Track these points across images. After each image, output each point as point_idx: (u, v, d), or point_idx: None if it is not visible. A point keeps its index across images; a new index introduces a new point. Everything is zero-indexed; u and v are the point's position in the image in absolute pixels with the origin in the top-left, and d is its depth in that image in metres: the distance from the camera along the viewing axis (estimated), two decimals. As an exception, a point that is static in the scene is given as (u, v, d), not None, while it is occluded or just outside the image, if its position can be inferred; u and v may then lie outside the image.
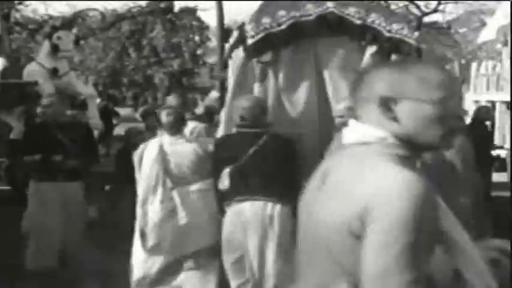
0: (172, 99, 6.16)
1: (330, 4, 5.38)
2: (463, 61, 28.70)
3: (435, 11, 29.69)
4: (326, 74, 5.47)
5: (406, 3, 29.70)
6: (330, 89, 5.44)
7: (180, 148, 5.21)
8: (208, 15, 27.25)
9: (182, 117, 5.40)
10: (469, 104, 19.30)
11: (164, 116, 5.23)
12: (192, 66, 28.63)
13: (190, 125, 5.96)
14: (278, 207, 4.69)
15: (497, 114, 17.99)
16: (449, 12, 30.33)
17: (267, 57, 5.38)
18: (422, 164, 1.90)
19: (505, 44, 21.86)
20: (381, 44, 5.37)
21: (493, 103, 19.58)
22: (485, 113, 9.93)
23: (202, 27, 30.26)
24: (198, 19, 31.63)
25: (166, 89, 27.82)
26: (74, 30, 12.63)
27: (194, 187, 5.19)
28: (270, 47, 5.40)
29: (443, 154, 4.21)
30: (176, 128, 5.27)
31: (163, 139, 5.27)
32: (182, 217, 5.14)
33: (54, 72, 11.22)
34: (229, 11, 31.77)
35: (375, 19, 5.33)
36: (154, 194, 5.13)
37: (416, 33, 5.46)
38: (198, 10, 29.91)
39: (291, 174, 4.68)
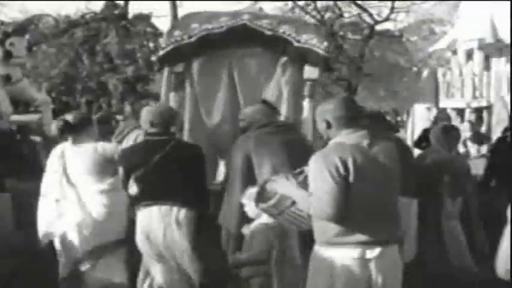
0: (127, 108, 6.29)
1: (245, 16, 5.53)
2: (414, 69, 29.31)
3: (387, 19, 30.15)
4: (239, 84, 5.57)
5: (359, 11, 30.15)
6: (242, 98, 5.56)
7: (79, 150, 5.38)
8: (164, 22, 27.15)
9: (88, 120, 5.66)
10: (422, 111, 19.73)
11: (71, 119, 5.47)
12: (147, 72, 28.42)
13: (135, 132, 6.08)
14: (183, 211, 4.98)
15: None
16: (401, 20, 30.85)
17: (179, 67, 5.59)
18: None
19: (453, 53, 22.41)
20: (291, 54, 5.49)
21: (444, 110, 20.01)
22: (444, 118, 10.35)
23: (157, 34, 30.11)
24: (152, 25, 31.49)
25: (120, 95, 27.59)
26: (27, 36, 12.47)
27: (94, 187, 5.34)
28: (181, 58, 5.51)
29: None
30: (76, 131, 5.44)
31: (68, 141, 5.51)
32: (79, 214, 5.31)
33: (7, 79, 11.05)
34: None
35: (285, 30, 5.48)
36: (52, 192, 5.38)
37: (325, 43, 5.57)
38: (153, 17, 29.80)
39: (198, 180, 4.95)
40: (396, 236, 3.85)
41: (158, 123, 5.09)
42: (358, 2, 29.45)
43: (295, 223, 3.89)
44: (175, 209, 4.98)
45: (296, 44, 5.55)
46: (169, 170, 4.97)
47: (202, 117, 5.71)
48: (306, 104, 5.22)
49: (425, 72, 22.77)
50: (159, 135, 5.08)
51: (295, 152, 4.82)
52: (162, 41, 5.76)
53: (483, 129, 16.67)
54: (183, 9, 35.29)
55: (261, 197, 4.01)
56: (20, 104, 11.49)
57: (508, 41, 19.66)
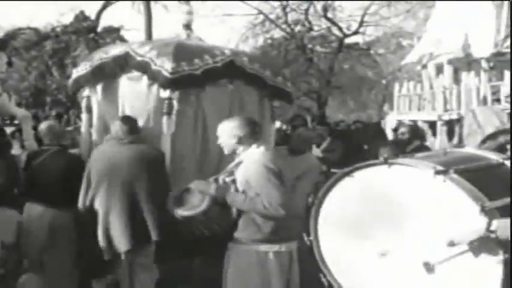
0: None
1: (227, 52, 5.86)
2: (384, 81, 29.78)
3: (356, 32, 30.64)
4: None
5: (329, 25, 30.57)
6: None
7: None
8: (138, 35, 27.06)
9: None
10: (393, 123, 20.02)
11: None
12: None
13: None
14: (56, 212, 5.55)
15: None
16: (369, 34, 31.36)
17: (86, 92, 6.23)
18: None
19: (423, 67, 22.85)
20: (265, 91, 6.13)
21: (415, 122, 20.37)
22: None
23: (127, 47, 29.86)
24: (122, 38, 31.38)
25: (90, 108, 27.37)
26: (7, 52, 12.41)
27: None
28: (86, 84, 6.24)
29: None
30: None
31: None
32: None
33: (-14, 95, 10.93)
34: (160, 32, 31.75)
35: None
36: None
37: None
38: (123, 29, 29.73)
39: (75, 186, 5.41)
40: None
41: (49, 137, 5.91)
42: (328, 15, 29.86)
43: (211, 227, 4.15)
44: (50, 210, 5.57)
45: (270, 83, 6.14)
46: (46, 175, 5.67)
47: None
48: (164, 120, 5.53)
49: (396, 85, 23.10)
50: (49, 146, 5.87)
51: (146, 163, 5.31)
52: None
53: (455, 141, 17.03)
54: (157, 22, 35.20)
55: (179, 203, 4.28)
56: (-2, 119, 11.39)
57: (476, 55, 20.19)
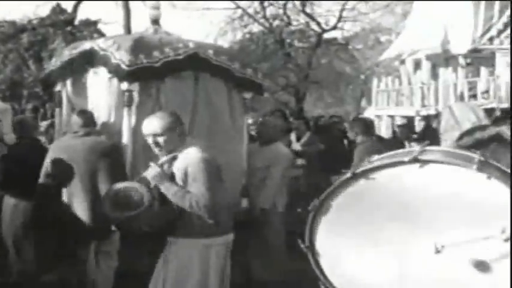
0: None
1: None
2: (362, 76, 29.96)
3: (334, 28, 30.72)
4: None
5: (307, 20, 30.65)
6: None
7: None
8: (117, 28, 26.87)
9: None
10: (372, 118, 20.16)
11: None
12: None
13: None
14: (13, 200, 5.82)
15: (397, 128, 18.87)
16: (348, 29, 31.46)
17: (58, 86, 6.28)
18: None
19: (401, 62, 23.08)
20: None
21: (393, 117, 20.59)
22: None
23: (104, 40, 29.63)
24: (99, 31, 31.12)
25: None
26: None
27: None
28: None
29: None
30: None
31: None
32: None
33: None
34: (139, 25, 31.58)
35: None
36: None
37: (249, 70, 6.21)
38: (101, 23, 29.49)
39: (34, 176, 5.47)
40: None
41: (17, 130, 6.23)
42: (306, 10, 29.92)
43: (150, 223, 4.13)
44: (11, 199, 5.81)
45: (238, 74, 6.15)
46: (8, 165, 5.92)
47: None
48: (124, 113, 5.63)
49: (374, 81, 23.28)
50: (18, 139, 6.18)
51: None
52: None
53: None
54: (137, 15, 35.06)
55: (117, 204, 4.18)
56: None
57: (454, 52, 20.43)
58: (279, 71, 30.94)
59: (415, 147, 3.49)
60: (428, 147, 3.41)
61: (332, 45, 31.35)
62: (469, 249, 2.99)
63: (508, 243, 2.94)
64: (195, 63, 5.83)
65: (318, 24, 30.41)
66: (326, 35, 30.78)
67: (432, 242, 3.00)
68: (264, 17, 30.60)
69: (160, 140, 4.11)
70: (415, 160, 3.09)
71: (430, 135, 8.85)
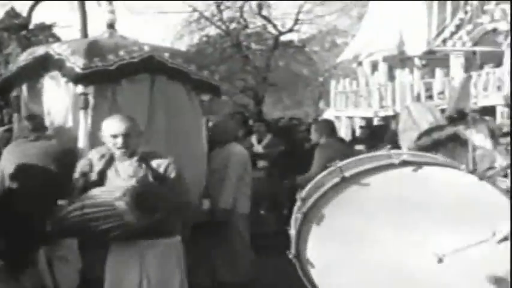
0: None
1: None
2: (320, 78, 30.22)
3: (291, 30, 30.95)
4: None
5: (264, 22, 30.81)
6: None
7: None
8: (73, 32, 26.50)
9: None
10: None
11: None
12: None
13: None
14: None
15: (356, 129, 19.11)
16: (304, 32, 31.73)
17: (15, 92, 6.18)
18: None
19: (359, 64, 23.36)
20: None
21: (352, 118, 20.83)
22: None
23: (60, 44, 29.19)
24: (54, 35, 30.64)
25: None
26: None
27: None
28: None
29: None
30: None
31: None
32: None
33: None
34: (95, 28, 31.22)
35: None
36: None
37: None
38: (57, 27, 29.07)
39: None
40: None
41: None
42: (263, 13, 30.08)
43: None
44: None
45: (194, 77, 6.23)
46: None
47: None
48: (80, 116, 5.76)
49: (332, 83, 23.51)
50: None
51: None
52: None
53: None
54: (93, 18, 34.64)
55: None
56: None
57: (410, 53, 20.77)
58: (237, 74, 31.01)
59: (389, 151, 3.35)
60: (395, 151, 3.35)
61: (289, 47, 31.57)
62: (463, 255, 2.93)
63: (502, 245, 2.92)
64: (151, 66, 5.87)
65: (275, 26, 30.63)
66: (283, 38, 31.04)
67: (427, 250, 2.94)
68: (221, 20, 30.66)
69: (125, 140, 4.08)
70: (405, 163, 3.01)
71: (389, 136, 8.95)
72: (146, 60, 5.82)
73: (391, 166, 3.00)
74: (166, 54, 6.06)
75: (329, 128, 6.96)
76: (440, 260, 2.90)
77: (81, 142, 5.56)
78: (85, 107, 5.57)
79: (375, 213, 2.99)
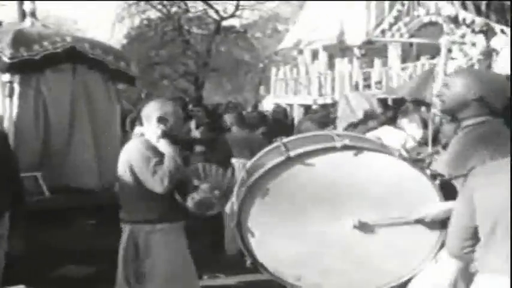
0: None
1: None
2: (261, 65, 30.29)
3: (232, 15, 30.88)
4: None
5: (205, 7, 30.63)
6: None
7: None
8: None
9: None
10: (270, 107, 20.50)
11: None
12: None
13: None
14: None
15: (295, 116, 19.27)
16: (246, 17, 31.71)
17: None
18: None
19: (299, 52, 23.53)
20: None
21: (291, 106, 20.99)
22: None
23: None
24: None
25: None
26: None
27: None
28: None
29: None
30: None
31: None
32: None
33: None
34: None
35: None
36: None
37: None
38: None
39: None
40: None
41: None
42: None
43: None
44: None
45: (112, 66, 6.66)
46: None
47: None
48: (6, 103, 6.04)
49: (273, 70, 23.61)
50: None
51: None
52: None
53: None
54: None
55: None
56: None
57: (349, 43, 21.05)
58: (178, 58, 30.79)
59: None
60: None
61: (231, 33, 31.53)
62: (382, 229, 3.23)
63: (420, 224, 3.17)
64: (73, 56, 6.32)
65: (216, 11, 30.56)
66: (225, 23, 31.00)
67: (349, 221, 3.21)
68: (162, 3, 30.36)
69: None
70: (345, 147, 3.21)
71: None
72: (68, 51, 6.25)
73: (333, 149, 3.21)
74: (87, 45, 6.50)
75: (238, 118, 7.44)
76: (354, 226, 3.19)
77: (8, 128, 5.81)
78: (10, 94, 5.92)
79: (315, 191, 3.23)
